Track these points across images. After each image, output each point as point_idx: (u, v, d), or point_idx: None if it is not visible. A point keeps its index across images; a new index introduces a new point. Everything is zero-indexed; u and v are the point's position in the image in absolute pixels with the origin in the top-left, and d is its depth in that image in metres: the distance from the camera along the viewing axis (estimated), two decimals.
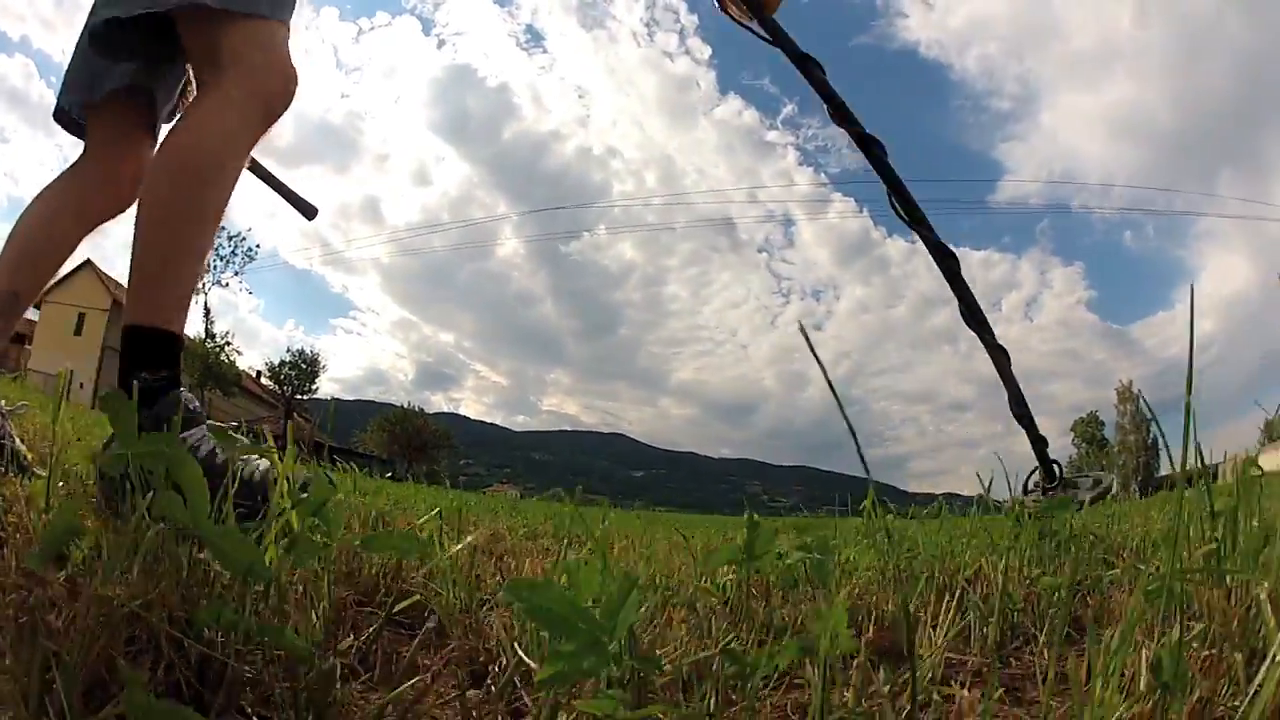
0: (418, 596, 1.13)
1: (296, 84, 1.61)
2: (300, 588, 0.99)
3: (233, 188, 1.55)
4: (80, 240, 1.92)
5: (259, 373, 54.76)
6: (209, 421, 1.52)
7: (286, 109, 1.61)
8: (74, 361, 45.94)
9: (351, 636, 0.97)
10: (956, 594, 1.19)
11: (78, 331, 47.80)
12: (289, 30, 1.63)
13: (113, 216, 1.94)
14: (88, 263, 50.01)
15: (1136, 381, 71.12)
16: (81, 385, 45.62)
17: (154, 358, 1.44)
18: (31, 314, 49.44)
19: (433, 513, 2.03)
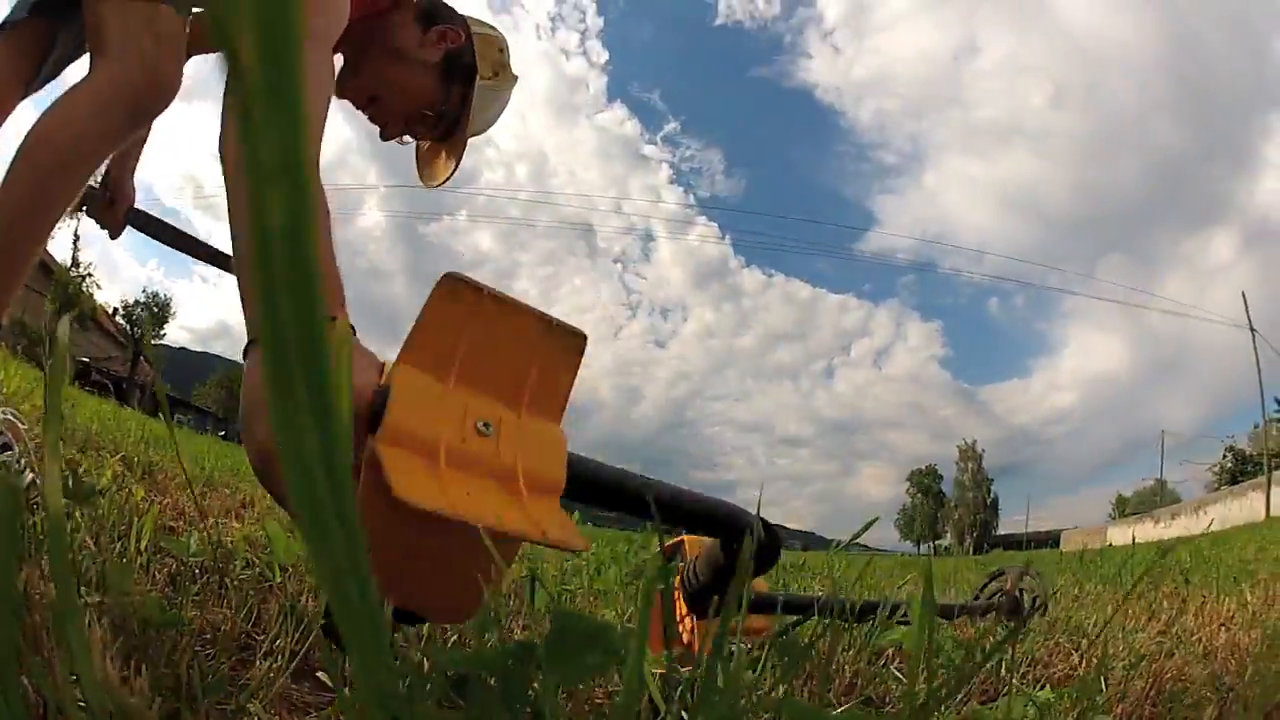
0: None
1: (171, 84, 1.43)
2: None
3: (79, 185, 1.40)
4: None
5: (115, 310, 52.28)
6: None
7: (157, 111, 1.44)
8: None
9: None
10: None
11: None
12: (185, 21, 1.43)
13: None
14: None
15: (982, 442, 74.82)
16: None
17: None
18: None
19: None
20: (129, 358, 47.72)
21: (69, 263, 42.25)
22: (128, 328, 49.64)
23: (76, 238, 42.89)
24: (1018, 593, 2.03)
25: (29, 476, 1.30)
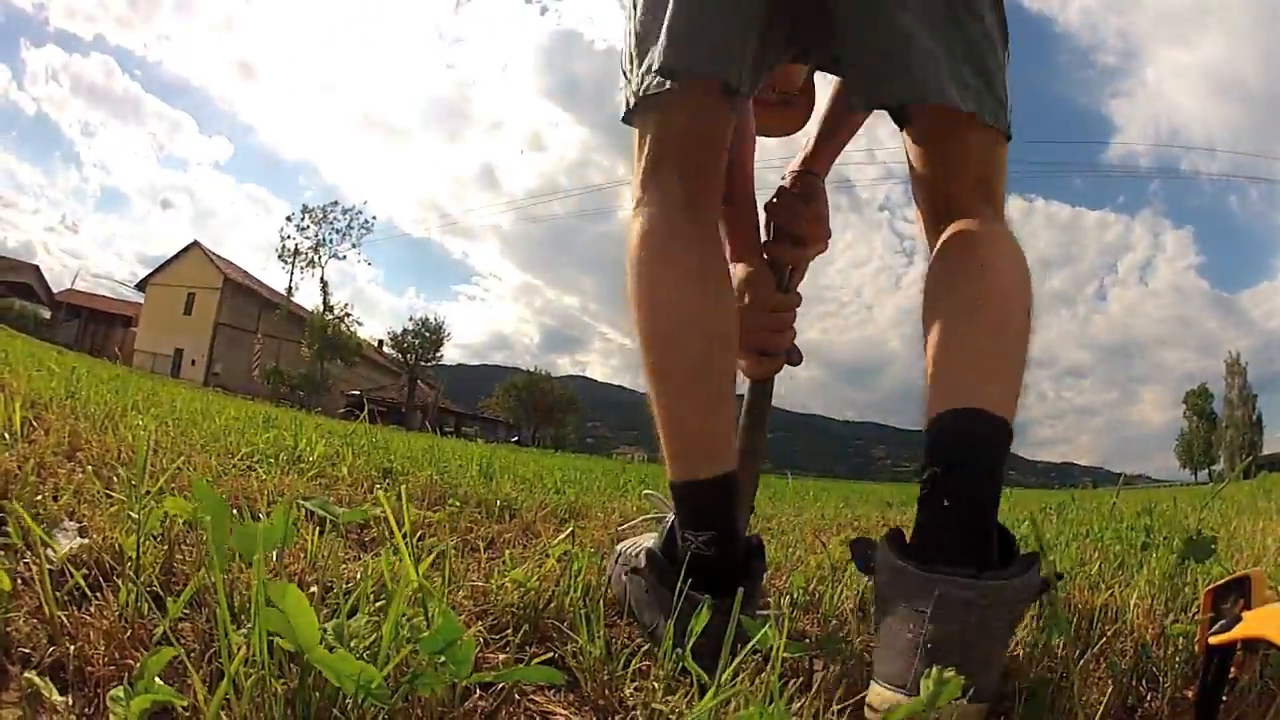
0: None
1: None
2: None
3: None
4: None
5: (380, 342, 56.05)
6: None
7: None
8: (184, 340, 48.31)
9: None
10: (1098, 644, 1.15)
11: (187, 311, 48.36)
12: None
13: None
14: (195, 244, 50.82)
15: (1244, 353, 70.25)
16: (194, 362, 47.36)
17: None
18: (136, 296, 51.80)
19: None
20: (403, 385, 50.35)
21: (320, 308, 45.31)
22: (399, 356, 52.71)
23: (324, 283, 46.20)
24: None
25: None
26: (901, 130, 1.22)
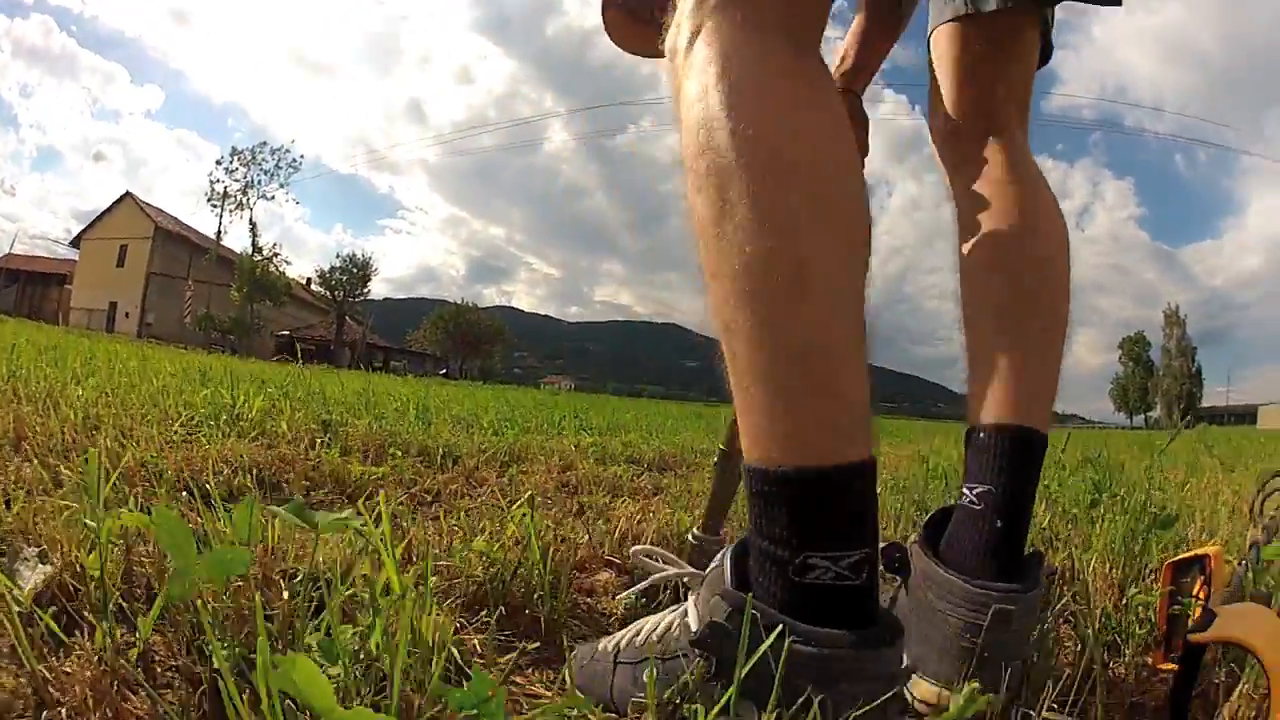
0: None
1: None
2: None
3: None
4: None
5: (309, 280, 55.49)
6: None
7: None
8: (118, 293, 47.53)
9: None
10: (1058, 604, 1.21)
11: (120, 263, 47.48)
12: None
13: None
14: (127, 194, 49.53)
15: (1183, 307, 72.84)
16: (128, 314, 46.61)
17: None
18: (72, 254, 50.88)
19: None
20: (332, 322, 50.05)
21: (249, 250, 45.06)
22: (327, 294, 52.66)
23: (253, 225, 45.71)
24: None
25: None
26: (957, 24, 1.11)
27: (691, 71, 0.76)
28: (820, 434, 0.70)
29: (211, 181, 49.41)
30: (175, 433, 2.16)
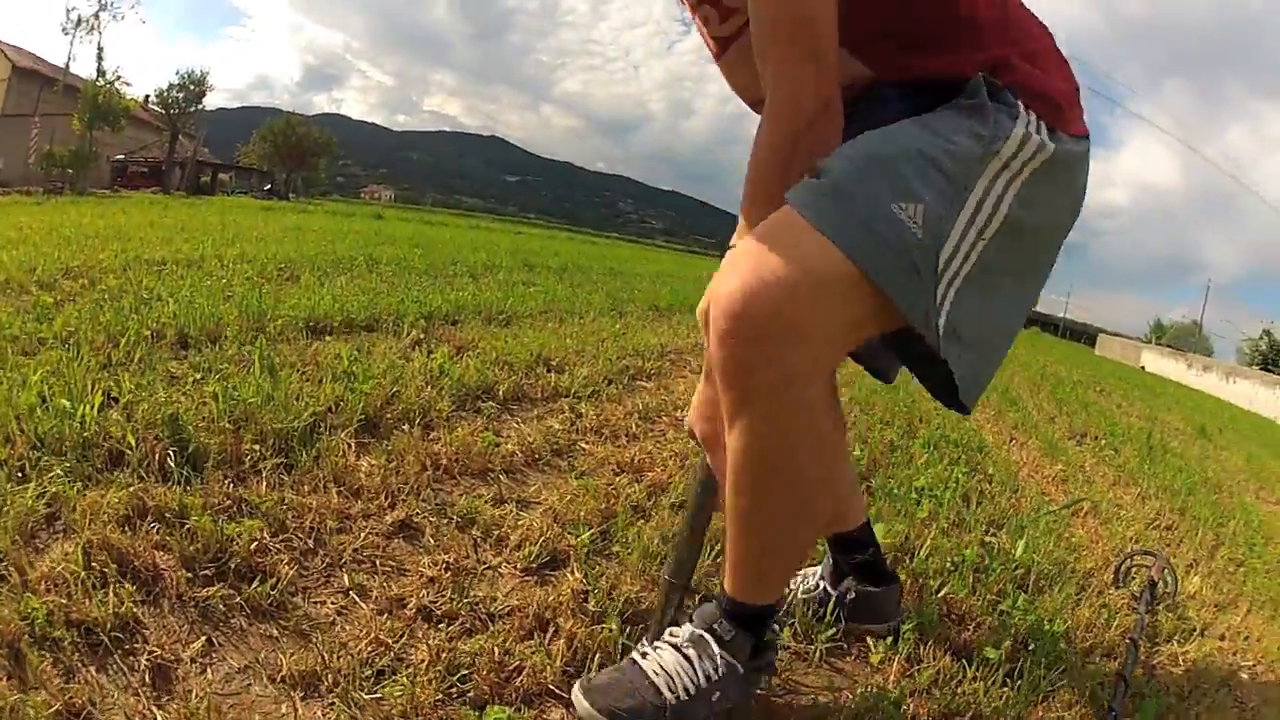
0: None
1: None
2: None
3: None
4: None
5: (146, 98, 51.78)
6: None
7: None
8: None
9: None
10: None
11: None
12: None
13: None
14: None
15: None
16: None
17: None
18: None
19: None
20: (166, 140, 47.79)
21: (95, 75, 42.07)
22: (163, 112, 49.89)
23: (100, 49, 42.48)
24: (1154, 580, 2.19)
25: None
26: None
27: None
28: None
29: (68, 10, 44.58)
30: None
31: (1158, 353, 25.38)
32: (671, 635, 1.22)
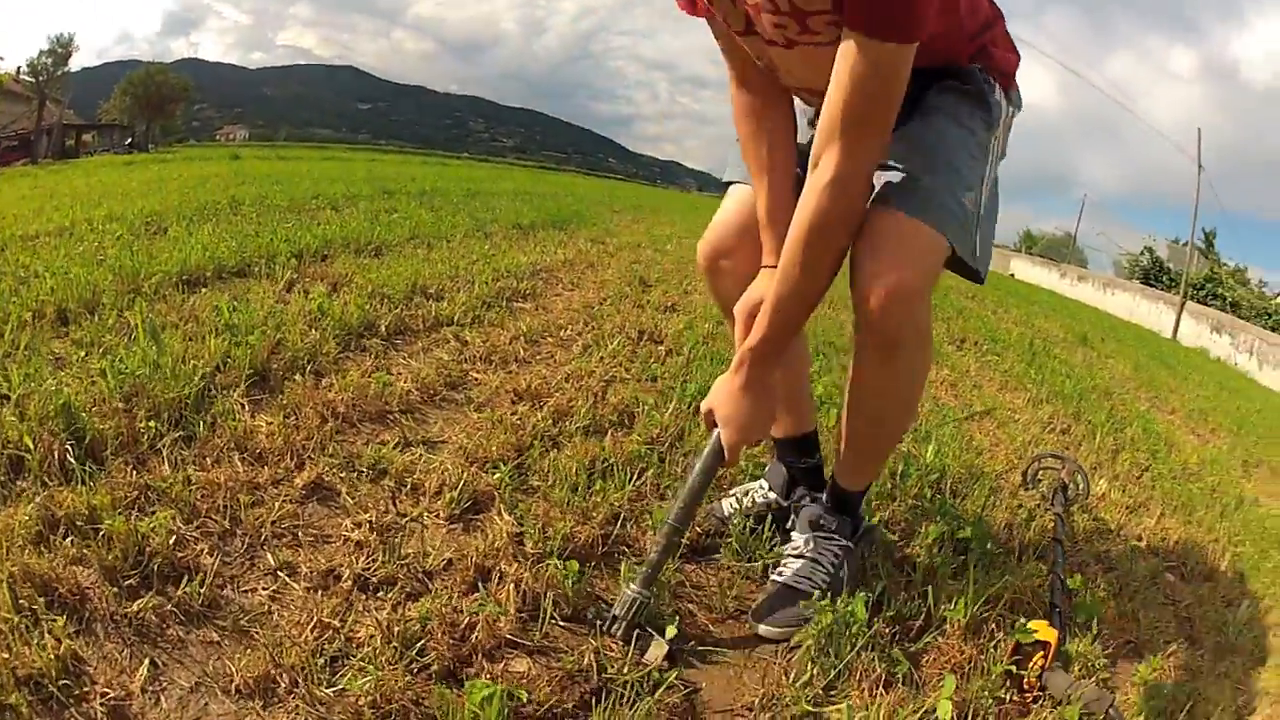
0: None
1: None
2: None
3: None
4: None
5: (18, 69, 48.38)
6: None
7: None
8: None
9: None
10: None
11: None
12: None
13: None
14: None
15: None
16: None
17: None
18: None
19: None
20: (34, 110, 45.15)
21: None
22: (32, 81, 47.06)
23: None
24: (1067, 482, 2.29)
25: None
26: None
27: None
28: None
29: None
30: None
31: (1029, 261, 26.33)
32: (792, 548, 1.55)
